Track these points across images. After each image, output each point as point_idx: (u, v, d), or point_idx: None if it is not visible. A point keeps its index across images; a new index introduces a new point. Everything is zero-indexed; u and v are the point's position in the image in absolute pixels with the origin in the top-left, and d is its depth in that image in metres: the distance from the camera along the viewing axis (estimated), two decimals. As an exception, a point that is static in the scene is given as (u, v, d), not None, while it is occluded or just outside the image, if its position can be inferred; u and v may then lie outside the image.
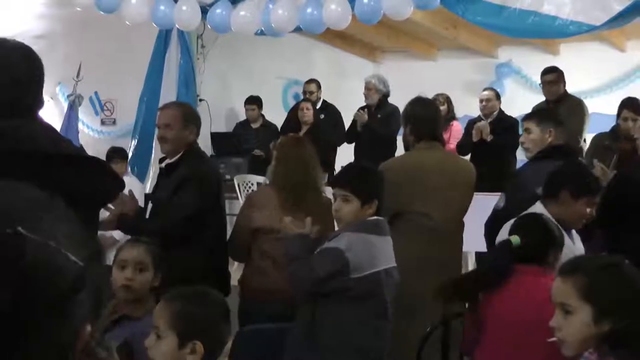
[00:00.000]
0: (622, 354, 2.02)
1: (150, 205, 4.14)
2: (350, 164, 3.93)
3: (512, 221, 3.32)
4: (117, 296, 2.92)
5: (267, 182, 4.29)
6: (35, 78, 2.32)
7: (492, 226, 3.85)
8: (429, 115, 4.24)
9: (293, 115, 8.20)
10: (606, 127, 7.41)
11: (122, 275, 2.89)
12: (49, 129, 2.41)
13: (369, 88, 7.67)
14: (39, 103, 2.35)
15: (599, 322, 2.04)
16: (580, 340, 2.10)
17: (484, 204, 4.07)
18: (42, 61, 2.34)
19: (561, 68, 6.82)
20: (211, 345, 2.27)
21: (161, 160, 4.24)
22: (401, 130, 4.34)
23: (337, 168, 7.69)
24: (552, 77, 6.68)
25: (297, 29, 6.53)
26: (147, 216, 4.24)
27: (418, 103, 4.27)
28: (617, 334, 2.02)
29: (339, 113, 8.17)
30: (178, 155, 4.04)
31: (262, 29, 6.57)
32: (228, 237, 4.22)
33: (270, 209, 3.99)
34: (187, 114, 4.14)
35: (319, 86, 8.37)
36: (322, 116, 8.10)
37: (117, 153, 6.50)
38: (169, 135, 4.02)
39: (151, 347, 2.31)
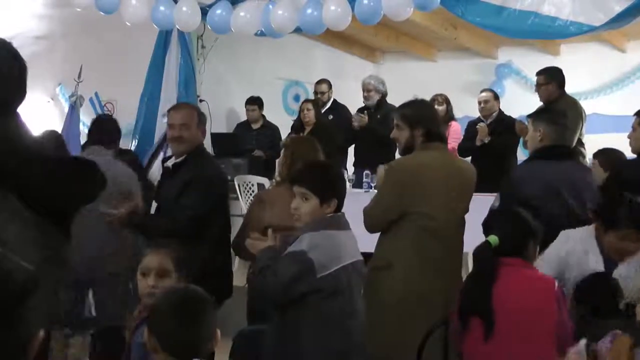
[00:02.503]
0: None
1: (154, 204, 4.14)
2: (311, 162, 3.91)
3: (567, 234, 3.46)
4: (143, 301, 2.97)
5: (276, 179, 4.30)
6: (15, 73, 2.27)
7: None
8: (436, 117, 4.28)
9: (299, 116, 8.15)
10: (607, 128, 7.43)
11: (146, 283, 2.95)
12: (25, 128, 2.36)
13: (369, 90, 7.64)
14: (20, 100, 2.29)
15: None
16: None
17: (484, 205, 4.07)
18: (21, 56, 2.28)
19: (561, 69, 6.78)
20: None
21: (164, 160, 4.26)
22: None
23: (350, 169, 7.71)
24: (542, 79, 6.58)
25: (297, 30, 6.53)
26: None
27: (423, 105, 4.26)
28: None
29: (350, 113, 8.03)
30: (184, 156, 4.06)
31: (262, 29, 6.57)
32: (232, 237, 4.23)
33: (280, 206, 4.00)
34: (200, 114, 4.21)
35: (330, 86, 8.27)
36: (331, 117, 8.04)
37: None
38: (186, 134, 4.04)
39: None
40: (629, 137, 4.47)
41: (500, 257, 3.08)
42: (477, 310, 3.05)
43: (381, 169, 4.73)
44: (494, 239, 3.09)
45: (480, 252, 3.15)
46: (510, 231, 3.15)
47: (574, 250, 3.54)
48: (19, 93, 2.24)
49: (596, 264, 3.45)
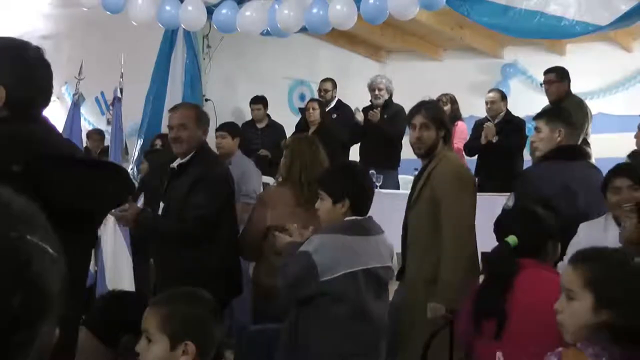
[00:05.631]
0: (621, 348, 2.07)
1: (162, 205, 4.15)
2: (336, 164, 3.93)
3: (586, 224, 3.44)
4: None
5: (279, 179, 4.30)
6: (47, 77, 2.32)
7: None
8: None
9: (304, 115, 8.17)
10: (612, 127, 7.42)
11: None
12: (57, 131, 2.42)
13: (380, 88, 7.65)
14: (46, 104, 2.35)
15: (597, 311, 2.11)
16: (577, 326, 2.17)
17: (491, 204, 4.06)
18: (48, 61, 2.34)
19: (567, 68, 6.78)
20: (203, 345, 2.27)
21: (170, 161, 4.26)
22: (407, 131, 4.30)
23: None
24: (551, 77, 6.63)
25: (303, 29, 6.53)
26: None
27: (441, 107, 4.26)
28: (615, 327, 2.08)
29: (353, 113, 8.10)
30: (189, 156, 4.06)
31: (268, 29, 6.57)
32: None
33: (282, 207, 4.00)
34: (200, 114, 4.20)
35: (334, 85, 8.31)
36: (335, 116, 8.06)
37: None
38: (184, 135, 4.05)
39: (143, 352, 2.28)
40: (635, 137, 4.46)
41: (519, 258, 3.00)
42: (493, 312, 3.00)
43: None
44: (513, 239, 2.99)
45: (499, 253, 3.05)
46: (529, 231, 3.05)
47: (591, 235, 3.55)
48: (46, 97, 2.30)
49: (614, 238, 3.44)
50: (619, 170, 3.71)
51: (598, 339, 2.12)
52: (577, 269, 2.20)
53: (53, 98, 2.47)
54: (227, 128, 6.71)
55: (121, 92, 6.21)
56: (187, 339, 2.23)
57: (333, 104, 8.23)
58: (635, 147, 4.50)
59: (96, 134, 8.04)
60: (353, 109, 7.98)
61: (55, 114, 7.96)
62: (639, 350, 2.07)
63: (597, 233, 3.61)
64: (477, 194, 4.10)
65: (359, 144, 7.95)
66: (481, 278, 3.27)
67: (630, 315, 2.07)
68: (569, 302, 2.19)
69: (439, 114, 4.05)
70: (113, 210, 3.76)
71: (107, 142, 8.12)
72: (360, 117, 7.74)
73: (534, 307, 2.90)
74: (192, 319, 2.28)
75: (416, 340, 3.66)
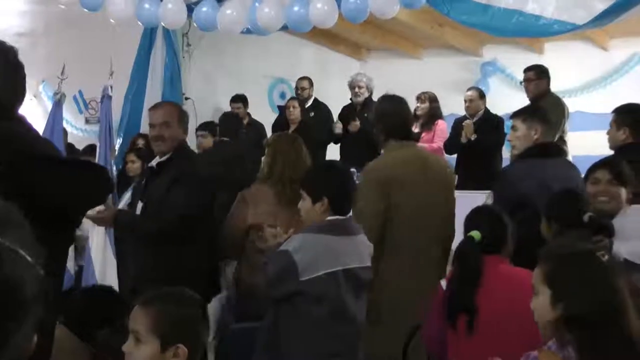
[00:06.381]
0: (577, 341, 2.12)
1: (140, 204, 4.12)
2: (319, 163, 3.94)
3: None
4: None
5: (259, 178, 4.28)
6: (24, 77, 2.32)
7: None
8: (396, 113, 4.13)
9: (283, 114, 8.18)
10: (590, 125, 7.46)
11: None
12: (34, 130, 2.41)
13: (360, 86, 7.65)
14: (21, 102, 2.34)
15: (554, 306, 2.16)
16: (542, 323, 2.23)
17: (470, 202, 4.07)
18: (21, 61, 2.33)
19: (546, 67, 6.84)
20: (192, 347, 2.26)
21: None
22: None
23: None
24: (530, 75, 6.71)
25: (284, 28, 6.52)
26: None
27: (385, 100, 4.24)
28: (569, 319, 2.13)
29: (330, 112, 8.15)
30: (169, 154, 4.04)
31: (249, 27, 6.56)
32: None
33: (264, 205, 3.99)
34: (182, 113, 4.19)
35: (311, 83, 8.34)
36: (312, 114, 8.08)
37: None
38: (167, 133, 4.02)
39: (130, 352, 2.25)
40: (607, 133, 4.50)
41: (482, 254, 3.10)
42: (464, 307, 3.05)
43: None
44: (476, 234, 3.10)
45: (465, 246, 3.16)
46: (492, 228, 3.16)
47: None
48: (21, 95, 2.30)
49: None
50: (602, 162, 3.78)
51: (564, 338, 2.16)
52: (539, 266, 2.27)
53: (30, 96, 2.48)
54: (208, 127, 6.73)
55: (111, 89, 6.18)
56: (179, 342, 2.21)
57: (310, 102, 8.25)
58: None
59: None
60: (334, 119, 7.97)
61: (32, 112, 7.90)
62: (591, 340, 2.11)
63: None
64: (457, 191, 4.12)
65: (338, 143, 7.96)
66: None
67: (579, 305, 2.12)
68: (535, 299, 2.25)
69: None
70: (89, 212, 3.72)
71: (83, 140, 8.10)
72: (339, 128, 7.75)
73: (506, 301, 2.96)
74: (183, 321, 2.26)
75: None
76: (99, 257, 5.29)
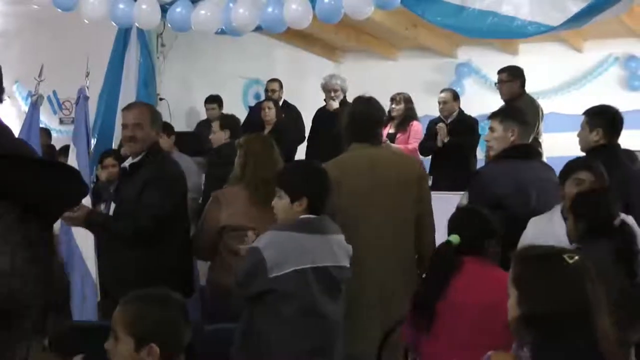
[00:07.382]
0: (533, 341, 2.17)
1: (112, 204, 4.09)
2: (295, 162, 3.92)
3: (534, 219, 3.58)
4: None
5: (232, 179, 4.26)
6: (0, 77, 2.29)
7: None
8: (366, 116, 4.01)
9: (254, 115, 8.17)
10: (564, 127, 7.52)
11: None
12: (9, 130, 2.37)
13: (335, 90, 7.53)
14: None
15: (519, 305, 2.21)
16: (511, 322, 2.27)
17: (445, 203, 4.09)
18: None
19: (519, 68, 6.87)
20: (169, 347, 2.26)
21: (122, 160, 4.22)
22: None
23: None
24: (503, 76, 6.72)
25: (258, 28, 6.50)
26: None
27: (357, 103, 4.12)
28: (527, 319, 2.18)
29: (299, 113, 8.24)
30: (141, 155, 4.02)
31: (223, 28, 6.53)
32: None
33: (237, 206, 3.98)
34: (154, 113, 4.18)
35: (281, 86, 8.40)
36: (282, 115, 8.08)
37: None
38: (140, 134, 4.00)
39: (110, 350, 2.30)
40: (578, 135, 4.54)
41: (462, 256, 3.12)
42: (425, 307, 3.08)
43: None
44: (455, 237, 3.12)
45: (439, 251, 3.20)
46: (470, 230, 3.18)
47: (537, 230, 3.65)
48: None
49: (560, 227, 3.57)
50: (585, 164, 3.82)
51: (523, 339, 2.20)
52: (511, 268, 2.31)
53: (4, 97, 2.44)
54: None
55: (88, 90, 6.13)
56: (154, 342, 2.22)
57: (280, 104, 8.25)
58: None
59: (44, 133, 7.87)
60: (312, 109, 7.99)
61: (6, 112, 7.82)
62: (547, 341, 2.14)
63: (544, 226, 3.72)
64: (432, 192, 4.12)
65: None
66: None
67: (537, 306, 2.17)
68: (509, 300, 2.28)
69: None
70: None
71: (57, 141, 8.02)
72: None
73: (479, 301, 2.99)
74: (161, 322, 2.28)
75: None
76: (83, 242, 5.22)
